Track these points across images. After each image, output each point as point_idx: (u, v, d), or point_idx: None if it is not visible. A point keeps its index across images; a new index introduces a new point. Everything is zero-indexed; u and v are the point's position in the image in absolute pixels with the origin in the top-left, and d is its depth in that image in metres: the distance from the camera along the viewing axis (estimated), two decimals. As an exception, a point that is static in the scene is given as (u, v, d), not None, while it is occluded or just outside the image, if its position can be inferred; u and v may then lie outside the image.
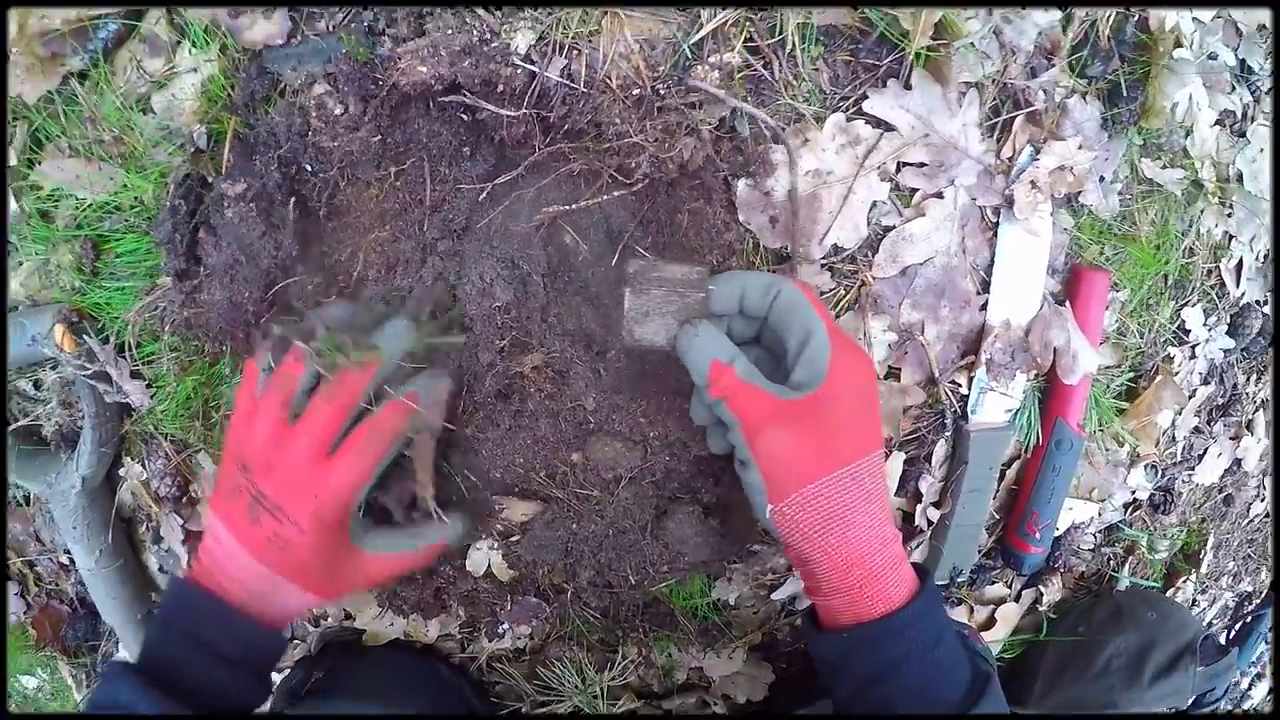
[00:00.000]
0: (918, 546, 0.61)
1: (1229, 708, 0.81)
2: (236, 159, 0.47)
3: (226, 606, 0.42)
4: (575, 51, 0.49)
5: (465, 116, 0.49)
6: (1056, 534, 0.69)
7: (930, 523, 0.59)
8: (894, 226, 0.50)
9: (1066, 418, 0.58)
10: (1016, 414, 0.58)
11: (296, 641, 0.63)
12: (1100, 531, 0.73)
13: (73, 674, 0.72)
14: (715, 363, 0.41)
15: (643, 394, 0.53)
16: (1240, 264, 0.66)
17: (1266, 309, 0.71)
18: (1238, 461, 0.80)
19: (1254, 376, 0.76)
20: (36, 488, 0.55)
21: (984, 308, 0.54)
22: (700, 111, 0.50)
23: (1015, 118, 0.50)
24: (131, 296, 0.51)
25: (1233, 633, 0.83)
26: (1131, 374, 0.63)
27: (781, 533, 0.41)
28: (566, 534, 0.52)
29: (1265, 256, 0.69)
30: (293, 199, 0.48)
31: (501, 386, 0.51)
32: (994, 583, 0.71)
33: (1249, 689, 0.92)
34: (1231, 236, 0.64)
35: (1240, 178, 0.63)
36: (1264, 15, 0.60)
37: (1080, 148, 0.51)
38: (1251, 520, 0.90)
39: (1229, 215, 0.62)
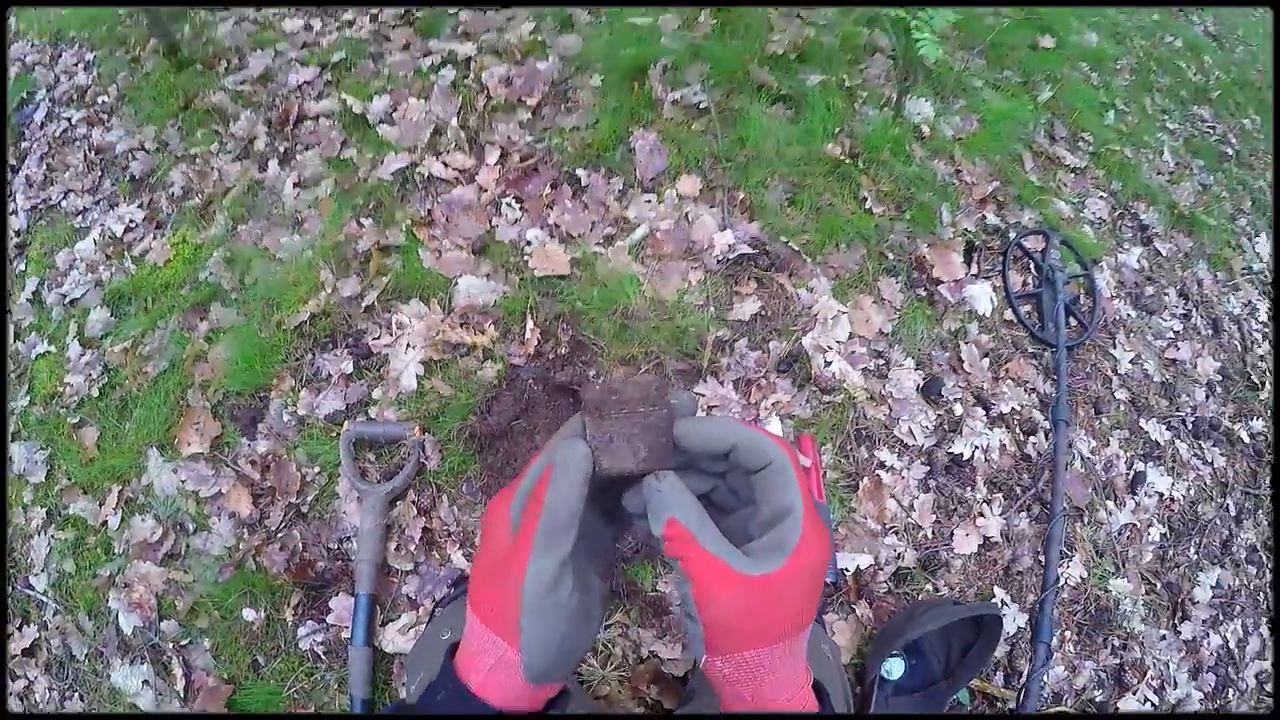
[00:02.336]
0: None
1: (1031, 665, 1.26)
2: (510, 387, 1.44)
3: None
4: (611, 372, 1.46)
5: (574, 396, 1.43)
6: (851, 573, 1.34)
7: (763, 553, 1.32)
8: (715, 428, 1.37)
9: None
10: (793, 501, 1.33)
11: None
12: (891, 578, 1.36)
13: (294, 607, 1.23)
14: (673, 520, 0.41)
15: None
16: (910, 429, 1.40)
17: (953, 449, 1.42)
18: (987, 539, 1.40)
19: (969, 487, 1.42)
20: (363, 486, 1.26)
21: (761, 455, 1.35)
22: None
23: (752, 387, 1.38)
24: (451, 422, 1.39)
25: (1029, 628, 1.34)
26: (853, 481, 1.36)
27: (710, 677, 0.44)
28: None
29: (936, 425, 1.43)
30: (524, 401, 1.42)
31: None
32: (828, 612, 1.34)
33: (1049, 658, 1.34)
34: (897, 418, 1.41)
35: (892, 395, 1.42)
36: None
37: (790, 399, 1.37)
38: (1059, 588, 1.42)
39: (887, 410, 1.40)
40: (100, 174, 2.02)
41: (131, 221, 1.84)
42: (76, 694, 1.39)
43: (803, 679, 0.44)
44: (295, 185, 1.69)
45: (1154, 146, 2.24)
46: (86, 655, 1.37)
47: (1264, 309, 2.15)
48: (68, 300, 1.78)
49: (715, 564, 0.40)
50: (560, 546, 0.41)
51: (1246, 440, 1.91)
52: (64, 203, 2.00)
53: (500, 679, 0.42)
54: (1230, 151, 2.49)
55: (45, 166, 2.12)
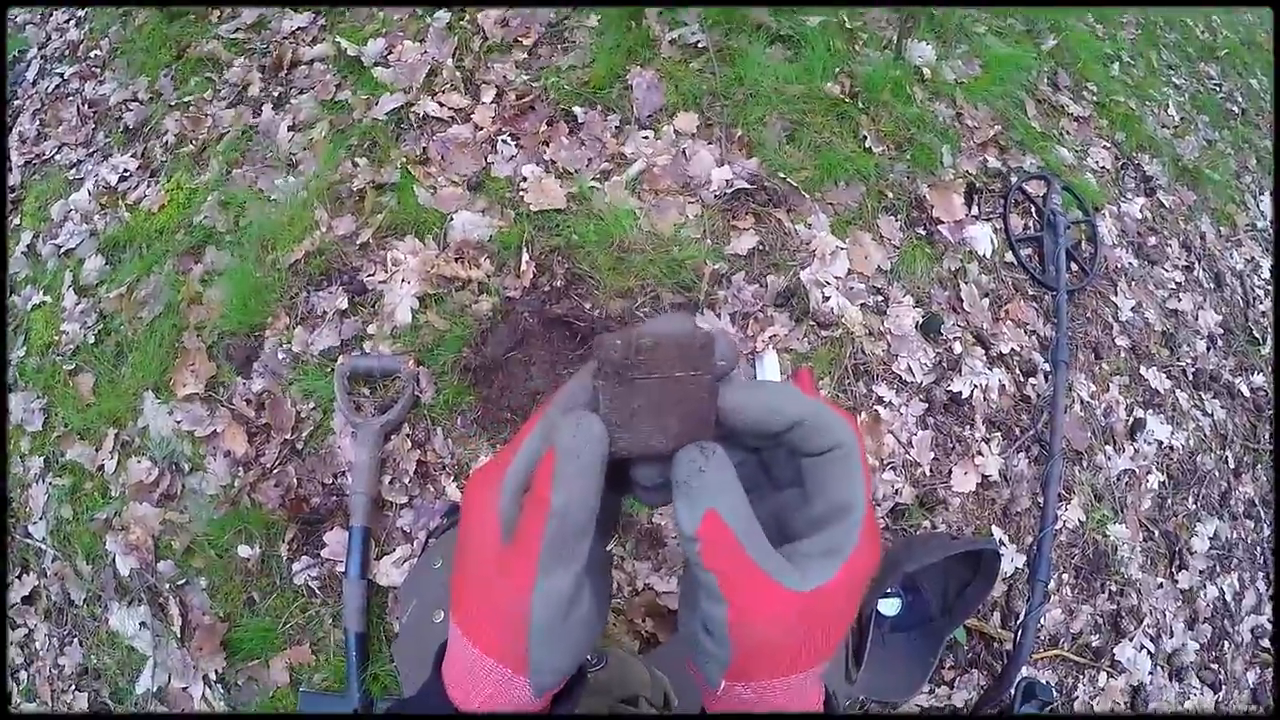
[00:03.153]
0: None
1: (1031, 603, 1.25)
2: (506, 319, 1.42)
3: None
4: (607, 304, 1.45)
5: (570, 329, 1.43)
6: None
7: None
8: (712, 362, 1.36)
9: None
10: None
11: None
12: (888, 514, 1.35)
13: (289, 543, 1.26)
14: (713, 515, 0.30)
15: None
16: (909, 366, 1.39)
17: (951, 387, 1.41)
18: (985, 478, 1.39)
19: (968, 425, 1.41)
20: (358, 419, 1.28)
21: (757, 389, 1.34)
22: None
23: (749, 320, 1.37)
24: (446, 355, 1.38)
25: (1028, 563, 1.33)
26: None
27: (711, 698, 0.36)
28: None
29: (935, 363, 1.41)
30: (520, 333, 1.41)
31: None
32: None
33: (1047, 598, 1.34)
34: (895, 354, 1.39)
35: (891, 331, 1.41)
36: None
37: (788, 333, 1.36)
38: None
39: (886, 346, 1.39)
40: (94, 126, 2.00)
41: (125, 171, 1.83)
42: (75, 639, 1.40)
43: (818, 695, 0.36)
44: (290, 128, 1.68)
45: (1159, 100, 2.21)
46: (85, 600, 1.38)
47: (1266, 266, 2.13)
48: (63, 251, 1.77)
49: (768, 585, 0.30)
50: (575, 558, 0.31)
51: (1247, 394, 1.89)
52: (58, 156, 1.99)
53: (502, 702, 0.34)
54: (1236, 110, 2.46)
55: (38, 122, 2.10)
